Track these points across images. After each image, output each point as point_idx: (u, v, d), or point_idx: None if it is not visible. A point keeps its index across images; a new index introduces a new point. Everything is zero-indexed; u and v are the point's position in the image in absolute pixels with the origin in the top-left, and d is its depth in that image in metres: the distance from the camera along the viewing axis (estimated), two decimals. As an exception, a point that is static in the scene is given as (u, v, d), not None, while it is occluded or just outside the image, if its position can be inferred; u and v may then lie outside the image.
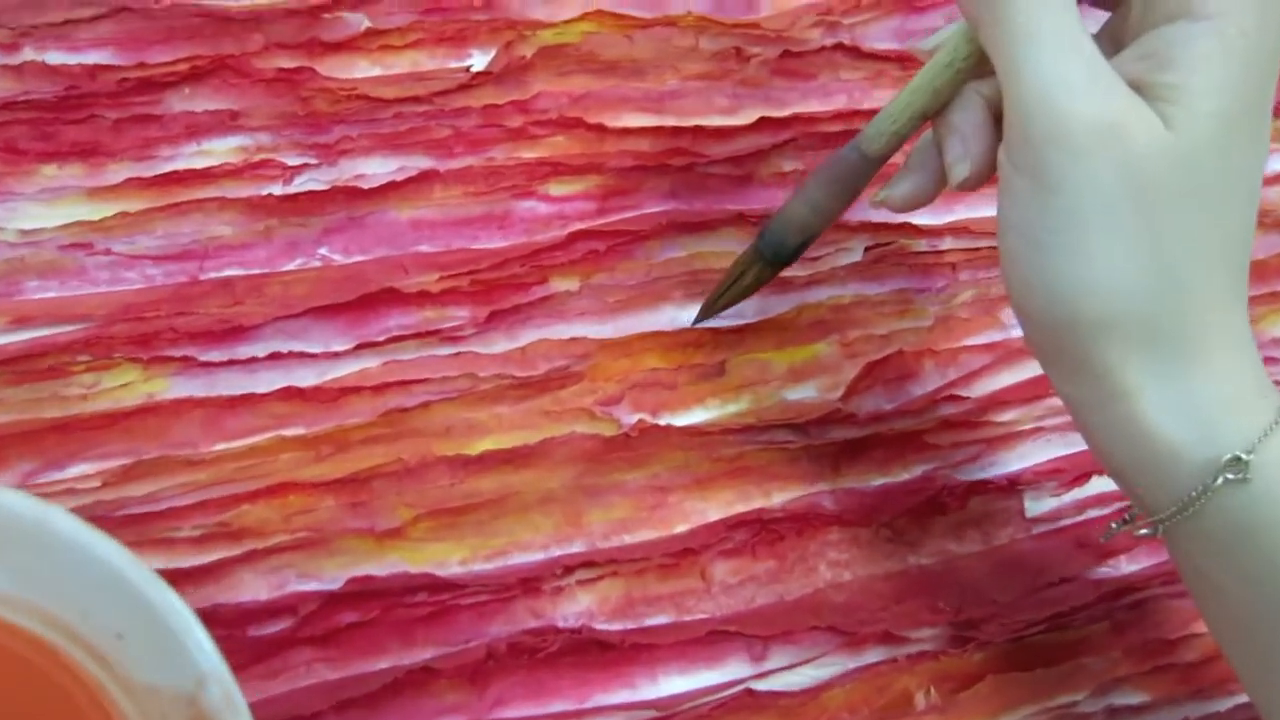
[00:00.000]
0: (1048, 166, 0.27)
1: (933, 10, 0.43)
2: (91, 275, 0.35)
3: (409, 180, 0.37)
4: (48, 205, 0.35)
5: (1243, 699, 0.38)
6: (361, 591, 0.34)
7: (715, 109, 0.40)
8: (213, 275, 0.35)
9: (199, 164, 0.36)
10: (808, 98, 0.41)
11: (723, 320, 0.38)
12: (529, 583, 0.35)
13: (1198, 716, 0.38)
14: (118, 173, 0.35)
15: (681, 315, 0.38)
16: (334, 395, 0.35)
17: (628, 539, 0.36)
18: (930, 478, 0.39)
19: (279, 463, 0.34)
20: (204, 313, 0.35)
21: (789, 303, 0.39)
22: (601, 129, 0.39)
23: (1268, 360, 0.41)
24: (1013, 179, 0.28)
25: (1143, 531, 0.30)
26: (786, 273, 0.36)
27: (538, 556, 0.35)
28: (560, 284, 0.37)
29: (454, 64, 0.38)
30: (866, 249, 0.40)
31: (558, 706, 0.34)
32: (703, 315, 0.37)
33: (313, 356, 0.35)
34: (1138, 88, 0.28)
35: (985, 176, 0.31)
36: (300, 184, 0.36)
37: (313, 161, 0.37)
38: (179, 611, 0.24)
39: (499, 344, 0.37)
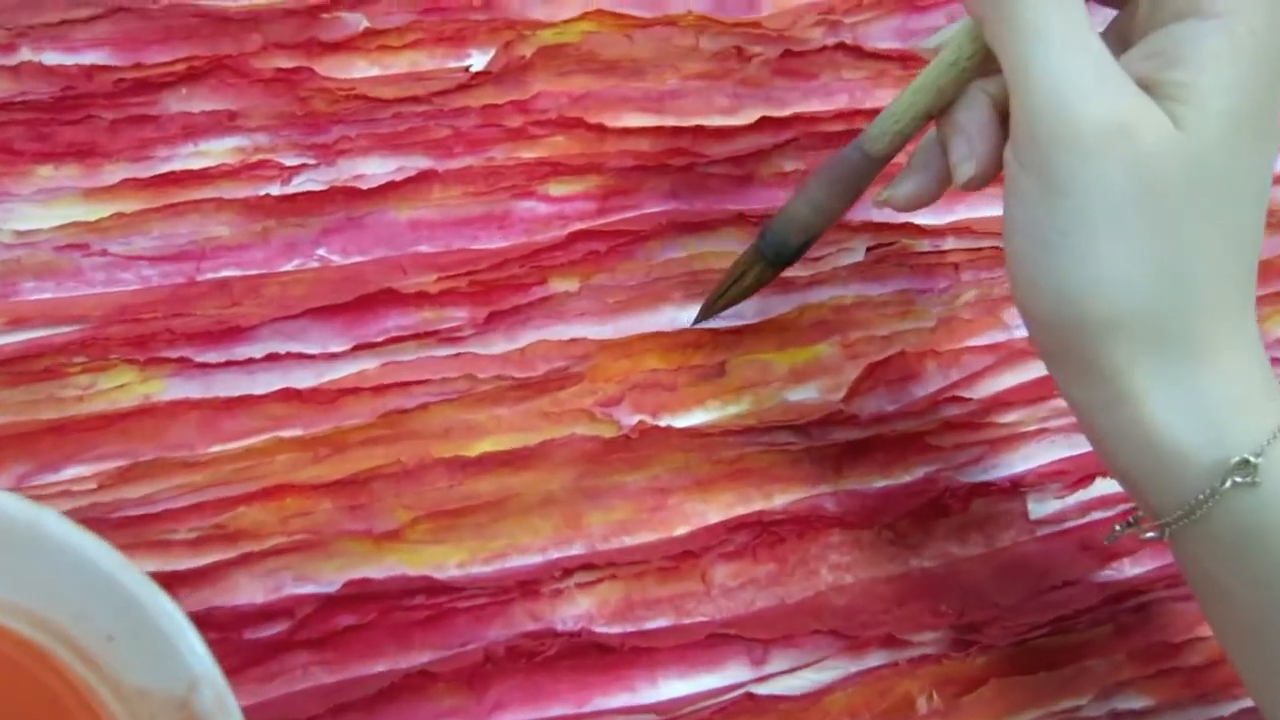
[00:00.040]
0: (1056, 166, 0.27)
1: (934, 9, 0.43)
2: (88, 276, 0.34)
3: (408, 180, 0.37)
4: (44, 206, 0.35)
5: (1247, 703, 0.38)
6: (359, 594, 0.33)
7: (716, 109, 0.40)
8: (210, 276, 0.35)
9: (196, 164, 0.36)
10: (809, 97, 0.41)
11: (723, 321, 0.38)
12: (528, 585, 0.35)
13: (1202, 721, 0.38)
14: (114, 173, 0.35)
15: (682, 316, 0.38)
16: (332, 396, 0.35)
17: (627, 541, 0.36)
18: (933, 480, 0.38)
19: (276, 464, 0.34)
20: (201, 314, 0.35)
21: (790, 303, 0.39)
22: (601, 129, 0.39)
23: (1275, 361, 0.41)
24: (1020, 179, 0.28)
25: (1149, 535, 0.30)
26: (788, 273, 0.36)
27: (536, 559, 0.35)
28: (560, 284, 0.37)
29: (453, 64, 0.38)
30: (868, 249, 0.40)
31: (556, 710, 0.34)
32: (703, 315, 0.37)
33: (310, 358, 0.35)
34: (1146, 86, 0.27)
35: (990, 176, 0.30)
36: (298, 184, 0.36)
37: (311, 162, 0.37)
38: (171, 614, 0.24)
39: (498, 345, 0.36)
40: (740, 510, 0.37)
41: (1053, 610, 0.37)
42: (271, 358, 0.35)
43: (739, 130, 0.40)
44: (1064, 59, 0.27)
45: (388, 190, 0.37)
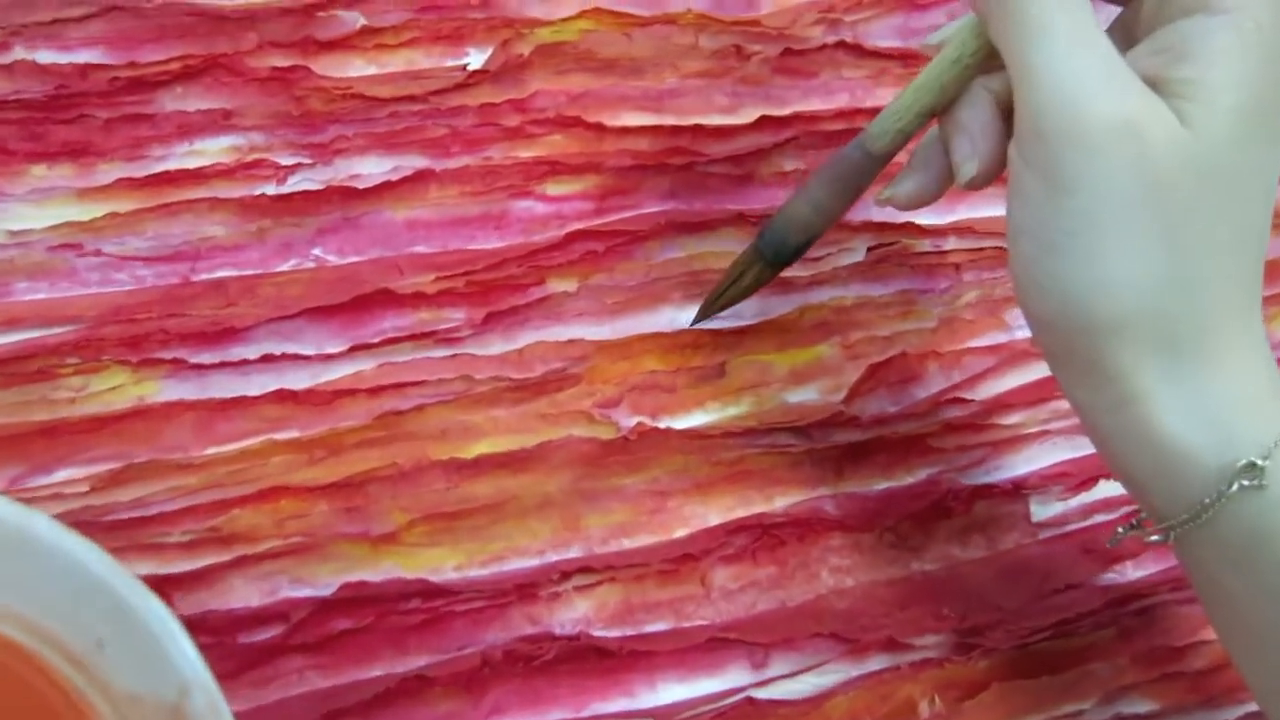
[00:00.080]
0: (1061, 165, 0.27)
1: (936, 7, 0.43)
2: (81, 276, 0.34)
3: (404, 180, 0.37)
4: (37, 206, 0.35)
5: (1252, 707, 0.38)
6: (355, 598, 0.33)
7: (715, 108, 0.40)
8: (205, 276, 0.35)
9: (191, 164, 0.36)
10: (809, 96, 0.41)
11: (723, 321, 0.37)
12: (525, 589, 0.34)
13: (1206, 725, 0.38)
14: (108, 173, 0.35)
15: (681, 316, 0.38)
16: (328, 398, 0.35)
17: (626, 544, 0.35)
18: (934, 482, 0.38)
19: (271, 466, 0.34)
20: (196, 314, 0.34)
21: (790, 303, 0.39)
22: (600, 128, 0.39)
23: None
24: (1024, 178, 0.28)
25: (1153, 538, 0.30)
26: (788, 273, 0.36)
27: (534, 562, 0.35)
28: (558, 285, 0.37)
29: (450, 62, 0.38)
30: (869, 249, 0.40)
31: (555, 715, 0.33)
32: (701, 316, 0.36)
33: (306, 359, 0.35)
34: (1152, 83, 0.27)
35: (994, 175, 0.30)
36: (294, 184, 0.36)
37: (307, 161, 0.37)
38: (162, 619, 0.24)
39: (495, 346, 0.36)
40: (740, 513, 0.36)
41: (1055, 613, 0.37)
42: (267, 359, 0.34)
43: (738, 129, 0.40)
44: (1070, 56, 0.27)
45: (384, 190, 0.37)
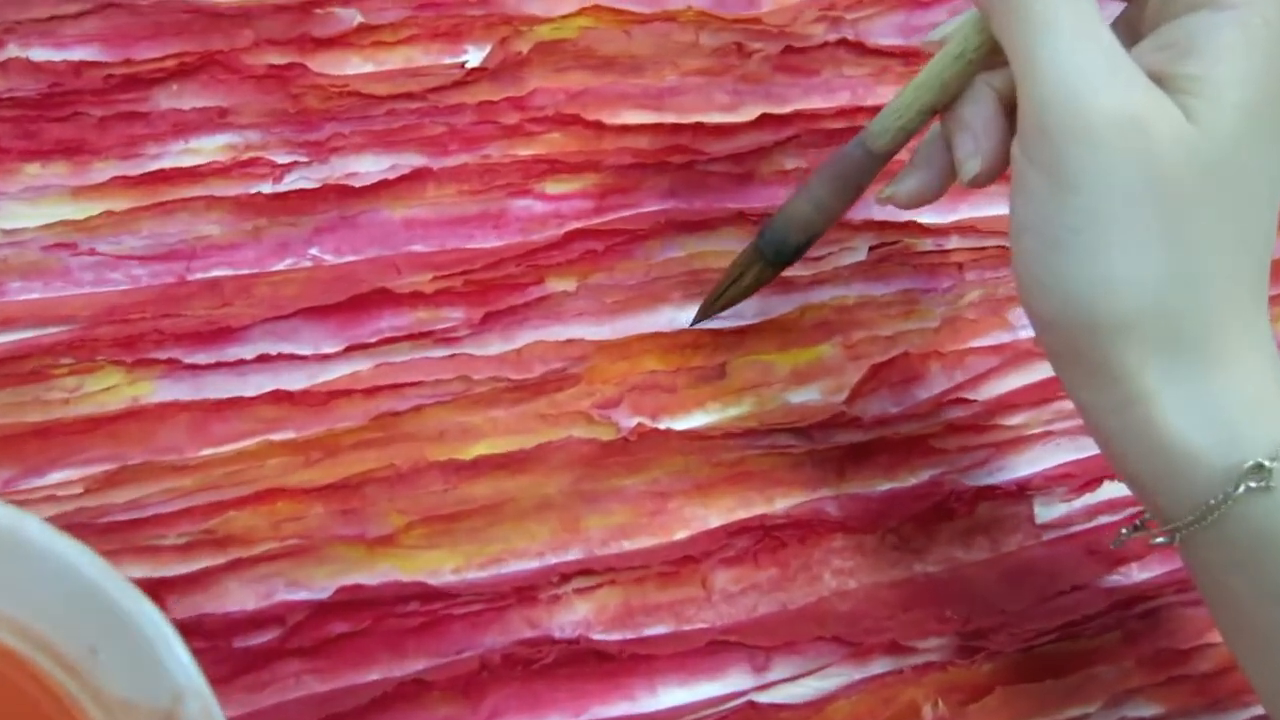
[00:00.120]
0: (1066, 162, 0.27)
1: (938, 5, 0.43)
2: (75, 276, 0.34)
3: (402, 178, 0.37)
4: (31, 204, 0.34)
5: (1258, 711, 0.38)
6: (351, 601, 0.33)
7: (716, 106, 0.40)
8: (200, 276, 0.35)
9: (186, 162, 0.36)
10: (810, 94, 0.41)
11: (723, 321, 0.37)
12: (524, 591, 0.34)
13: (1212, 728, 0.38)
14: (103, 171, 0.35)
15: (681, 316, 0.37)
16: (324, 399, 0.34)
17: (626, 546, 0.35)
18: (937, 483, 0.38)
19: (267, 468, 0.33)
20: (191, 314, 0.34)
21: (791, 303, 0.38)
22: (599, 126, 0.38)
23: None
24: (1028, 175, 0.28)
25: (1159, 540, 0.30)
26: (789, 272, 0.36)
27: (533, 564, 0.34)
28: (557, 284, 0.37)
29: (448, 60, 0.38)
30: (871, 248, 0.40)
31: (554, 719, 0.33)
32: (701, 316, 0.36)
33: (302, 359, 0.35)
34: (1157, 80, 0.27)
35: (997, 173, 0.30)
36: (290, 182, 0.36)
37: (303, 159, 0.36)
38: (156, 624, 0.24)
39: (494, 346, 0.36)
40: (741, 514, 0.36)
41: (1060, 616, 0.37)
42: (263, 359, 0.34)
43: (739, 127, 0.39)
44: (1073, 51, 0.26)
45: (381, 188, 0.36)
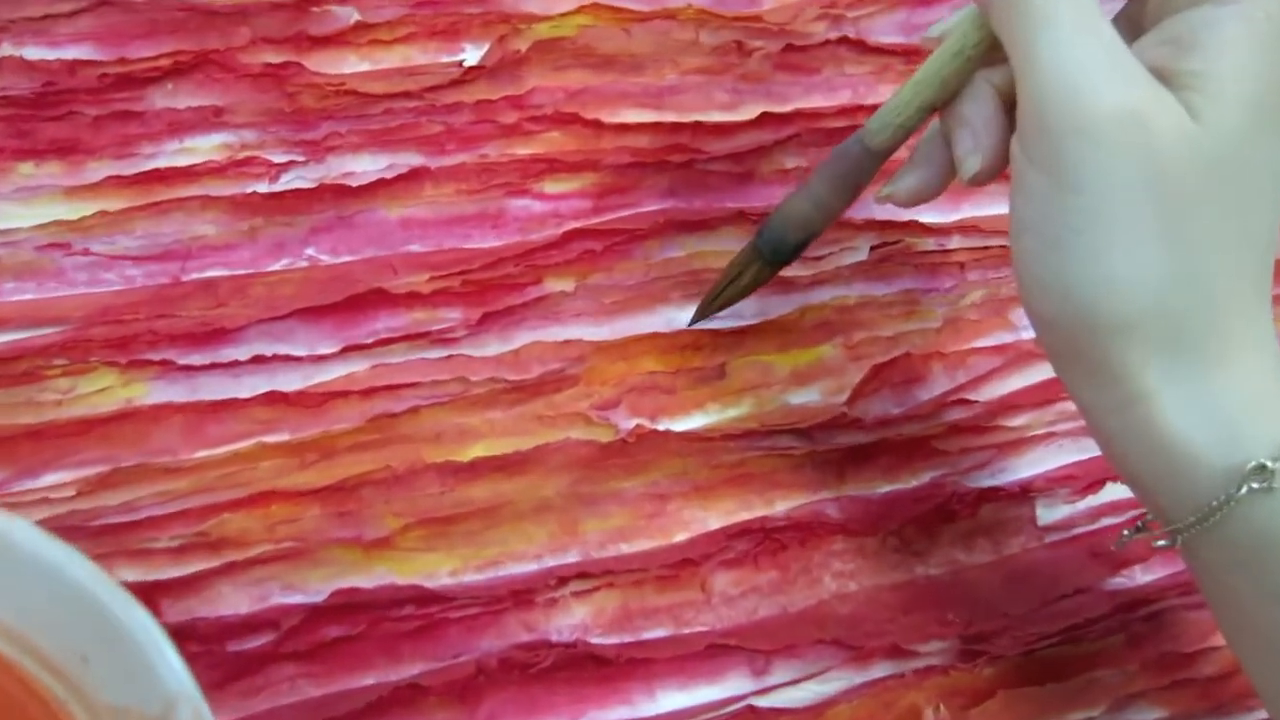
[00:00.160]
0: (1066, 159, 0.26)
1: (939, 3, 0.42)
2: (69, 276, 0.34)
3: (399, 178, 0.36)
4: (24, 204, 0.34)
5: (1262, 715, 0.37)
6: (347, 604, 0.32)
7: (715, 104, 0.40)
8: (195, 276, 0.35)
9: (181, 162, 0.35)
10: (811, 93, 0.41)
11: (723, 321, 0.37)
12: (522, 595, 0.34)
13: (1216, 732, 0.38)
14: (97, 171, 0.35)
15: (680, 317, 0.37)
16: (320, 400, 0.34)
17: (625, 549, 0.35)
18: (939, 485, 0.38)
19: (262, 470, 0.33)
20: (185, 315, 0.34)
21: (792, 303, 0.38)
22: (598, 125, 0.38)
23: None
24: (1027, 173, 0.27)
25: (1160, 543, 0.29)
26: (790, 272, 0.36)
27: (531, 567, 0.34)
28: (555, 284, 0.37)
29: (446, 58, 0.38)
30: (872, 248, 0.39)
31: (551, 723, 0.33)
32: (699, 315, 0.36)
33: (298, 360, 0.34)
34: (1159, 75, 0.27)
35: (997, 171, 0.30)
36: (286, 182, 0.36)
37: (299, 159, 0.36)
38: (147, 629, 0.23)
39: (491, 346, 0.36)
40: (741, 516, 0.36)
41: (1063, 619, 0.37)
42: (257, 360, 0.34)
43: (739, 126, 0.39)
44: (1074, 46, 0.26)
45: (378, 188, 0.36)
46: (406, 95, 0.37)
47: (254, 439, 0.33)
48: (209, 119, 0.36)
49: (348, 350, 0.35)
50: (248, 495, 0.33)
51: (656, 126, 0.39)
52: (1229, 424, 0.27)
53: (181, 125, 0.35)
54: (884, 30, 0.42)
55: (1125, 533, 0.31)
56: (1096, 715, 0.36)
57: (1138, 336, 0.27)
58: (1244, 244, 0.28)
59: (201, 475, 0.33)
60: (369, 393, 0.34)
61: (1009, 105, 0.29)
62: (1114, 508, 0.39)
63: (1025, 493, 0.38)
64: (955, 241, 0.40)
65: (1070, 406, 0.38)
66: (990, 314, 0.40)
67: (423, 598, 0.33)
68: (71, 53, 0.35)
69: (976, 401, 0.39)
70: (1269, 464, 0.26)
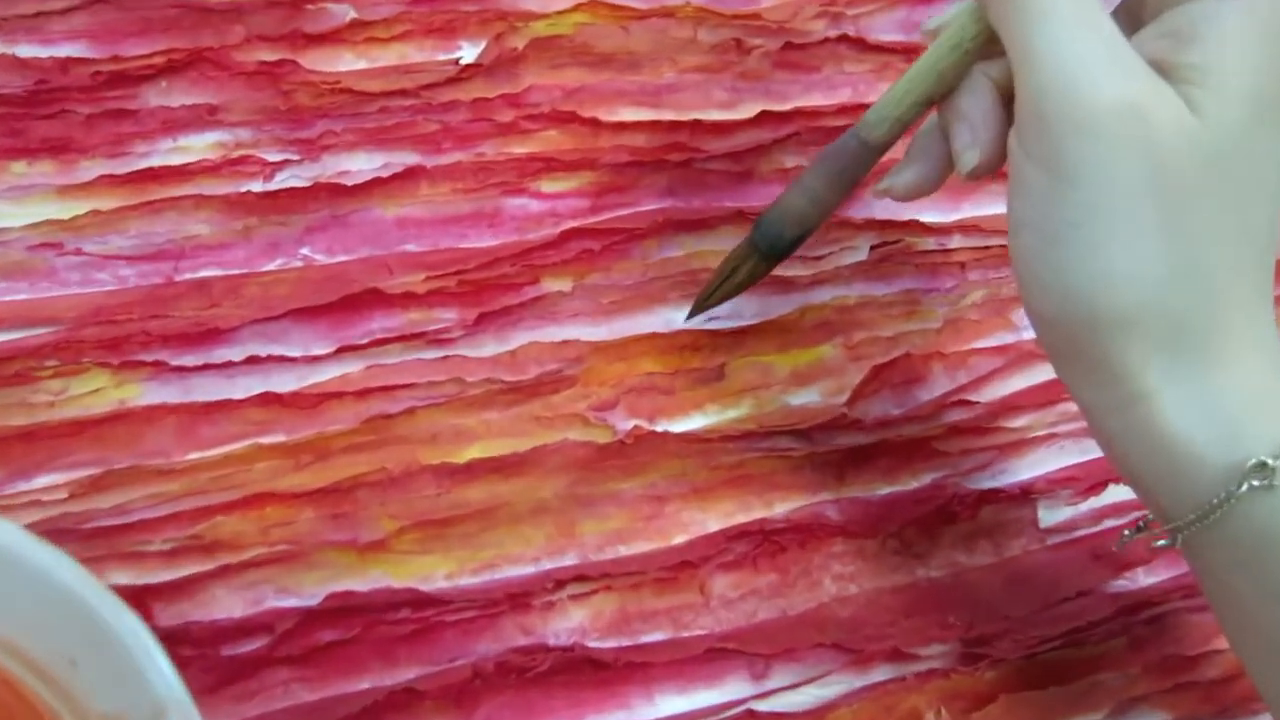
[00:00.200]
0: (1064, 153, 0.26)
1: (940, 1, 0.42)
2: (61, 276, 0.33)
3: (395, 177, 0.36)
4: (16, 204, 0.34)
5: (1267, 718, 0.37)
6: (342, 608, 0.32)
7: (714, 103, 0.39)
8: (188, 276, 0.34)
9: (175, 160, 0.35)
10: (810, 91, 0.40)
11: (722, 322, 0.37)
12: (518, 598, 0.33)
13: (1220, 736, 0.37)
14: (90, 170, 0.35)
15: (679, 317, 0.37)
16: (314, 401, 0.34)
17: (623, 551, 0.35)
18: (940, 486, 0.38)
19: (256, 472, 0.33)
20: (179, 315, 0.34)
21: (791, 303, 0.38)
22: (596, 123, 0.38)
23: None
24: (1025, 168, 0.27)
25: (1160, 542, 0.29)
26: (789, 272, 0.35)
27: (528, 570, 0.34)
28: (552, 284, 0.36)
29: (442, 56, 0.38)
30: (872, 248, 0.39)
31: (549, 728, 0.33)
32: (695, 311, 0.36)
33: (292, 360, 0.34)
34: (1159, 69, 0.27)
35: (995, 165, 0.30)
36: (281, 181, 0.36)
37: (294, 158, 0.36)
38: (136, 634, 0.23)
39: (488, 347, 0.35)
40: (740, 518, 0.36)
41: (1064, 622, 0.37)
42: (252, 360, 0.34)
43: (738, 125, 0.39)
44: (1073, 39, 0.26)
45: (374, 187, 0.36)
46: (402, 93, 0.37)
47: (248, 440, 0.33)
48: (203, 117, 0.35)
49: (343, 351, 0.34)
50: (242, 497, 0.32)
51: (655, 125, 0.38)
52: (1229, 422, 0.27)
53: (175, 124, 0.35)
54: (884, 28, 0.42)
55: (1126, 532, 0.31)
56: (1099, 719, 0.36)
57: (1137, 333, 0.27)
58: (1244, 238, 0.27)
59: (195, 477, 0.32)
60: (364, 394, 0.34)
61: (1007, 99, 0.29)
62: (1116, 510, 0.38)
63: (1027, 494, 0.38)
64: (956, 241, 0.40)
65: (1072, 408, 0.38)
66: (991, 314, 0.40)
67: (418, 601, 0.33)
68: (65, 50, 0.35)
69: (977, 402, 0.39)
70: (1270, 461, 0.26)
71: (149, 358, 0.33)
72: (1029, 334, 0.39)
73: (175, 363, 0.33)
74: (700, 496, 0.36)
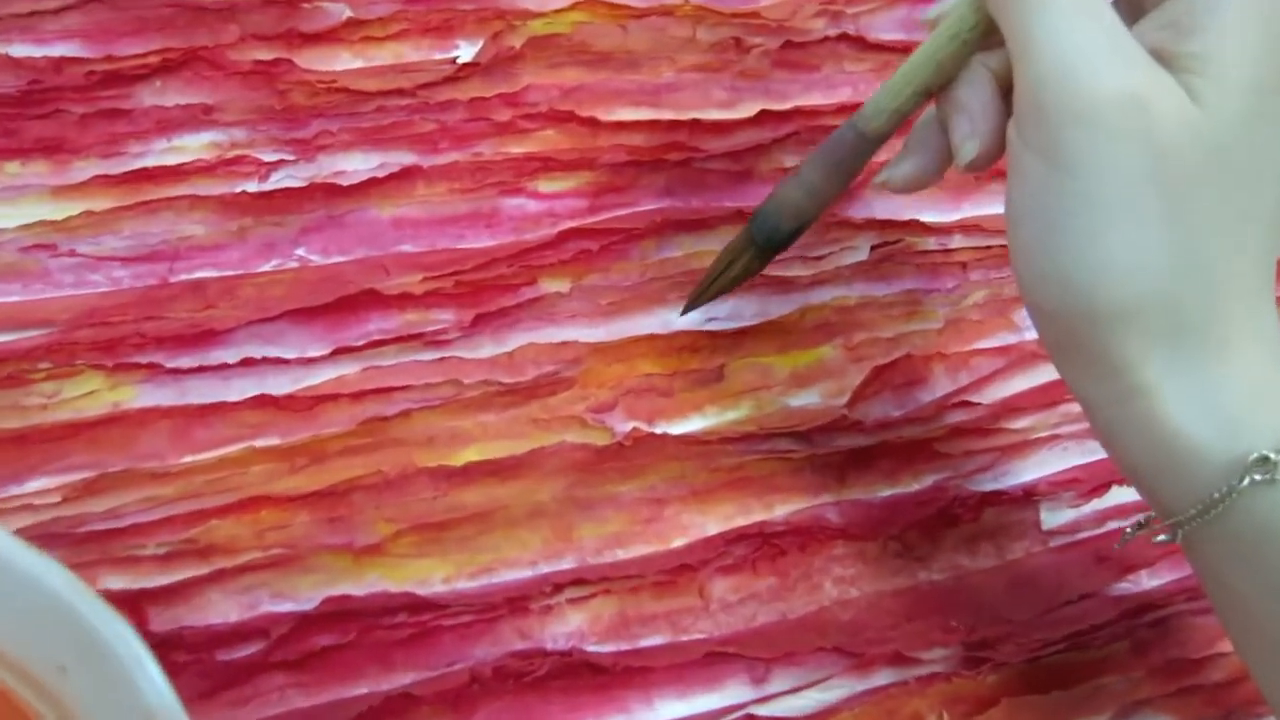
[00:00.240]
0: (1064, 145, 0.26)
1: (941, -2, 0.42)
2: (55, 278, 0.33)
3: (391, 177, 0.36)
4: (9, 204, 0.34)
5: (1272, 721, 0.37)
6: (338, 612, 0.32)
7: (713, 102, 0.39)
8: (183, 277, 0.34)
9: (170, 160, 0.35)
10: (810, 90, 0.40)
11: (721, 323, 0.37)
12: (516, 602, 0.33)
13: (1225, 740, 0.37)
14: (84, 170, 0.34)
15: (678, 318, 0.36)
16: (310, 403, 0.33)
17: (621, 554, 0.34)
18: (941, 488, 0.37)
19: (251, 475, 0.33)
20: (173, 317, 0.33)
21: (792, 304, 0.38)
22: (594, 123, 0.38)
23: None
24: (1024, 159, 0.27)
25: (1161, 538, 0.29)
26: (789, 272, 0.35)
27: (525, 574, 0.34)
28: (550, 285, 0.36)
29: (439, 55, 0.38)
30: (873, 248, 0.39)
31: (547, 733, 0.32)
32: (691, 305, 0.36)
33: (287, 362, 0.34)
34: (1160, 58, 0.26)
35: (995, 157, 0.29)
36: (276, 181, 0.35)
37: (290, 158, 0.36)
38: (127, 642, 0.23)
39: (485, 348, 0.35)
40: (740, 521, 0.36)
41: (1067, 625, 0.36)
42: (247, 363, 0.33)
43: (737, 124, 0.39)
44: (1072, 29, 0.26)
45: (370, 187, 0.36)
46: (399, 93, 0.37)
47: (243, 443, 0.33)
48: (198, 117, 0.35)
49: (338, 352, 0.34)
50: (237, 501, 0.32)
51: (653, 124, 0.38)
52: (1230, 416, 0.27)
53: (170, 123, 0.35)
54: (884, 27, 0.41)
55: (1128, 529, 0.31)
56: (1102, 723, 0.36)
57: (1137, 325, 0.26)
58: (1246, 230, 0.27)
59: (189, 480, 0.32)
60: (360, 396, 0.34)
61: (1006, 90, 0.29)
62: (1119, 511, 0.38)
63: (1029, 496, 0.38)
64: (957, 241, 0.40)
65: (1074, 409, 0.38)
66: (993, 314, 0.40)
67: (415, 605, 0.32)
68: (58, 50, 0.35)
69: (979, 404, 0.38)
70: (1272, 456, 0.26)
71: (143, 360, 0.33)
72: (1031, 335, 0.39)
73: (170, 365, 0.33)
74: (699, 499, 0.35)
